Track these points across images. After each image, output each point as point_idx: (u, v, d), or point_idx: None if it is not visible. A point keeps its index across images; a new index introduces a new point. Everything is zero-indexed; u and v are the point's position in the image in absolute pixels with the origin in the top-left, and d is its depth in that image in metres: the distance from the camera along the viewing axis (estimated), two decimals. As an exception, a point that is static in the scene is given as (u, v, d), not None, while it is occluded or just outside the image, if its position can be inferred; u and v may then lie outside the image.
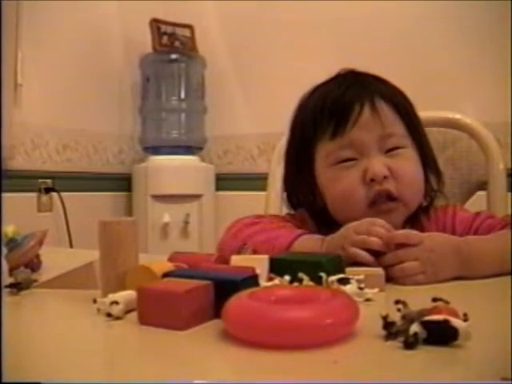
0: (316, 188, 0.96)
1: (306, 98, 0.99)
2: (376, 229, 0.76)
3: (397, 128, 0.92)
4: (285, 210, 1.17)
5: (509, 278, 0.75)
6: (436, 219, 0.97)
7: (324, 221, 0.96)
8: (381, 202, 0.89)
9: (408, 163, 0.91)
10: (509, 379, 0.39)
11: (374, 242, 0.75)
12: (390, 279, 0.73)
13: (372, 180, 0.88)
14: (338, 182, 0.91)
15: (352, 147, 0.90)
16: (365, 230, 0.77)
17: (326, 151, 0.92)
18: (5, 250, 0.79)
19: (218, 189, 2.86)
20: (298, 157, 0.98)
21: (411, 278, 0.74)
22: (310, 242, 0.83)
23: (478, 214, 0.96)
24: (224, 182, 2.89)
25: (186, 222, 2.71)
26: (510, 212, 1.12)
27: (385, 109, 0.91)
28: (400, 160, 0.90)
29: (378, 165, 0.88)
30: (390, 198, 0.89)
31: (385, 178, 0.88)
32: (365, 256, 0.75)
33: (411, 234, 0.77)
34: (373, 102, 0.90)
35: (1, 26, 2.11)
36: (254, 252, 0.79)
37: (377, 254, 0.76)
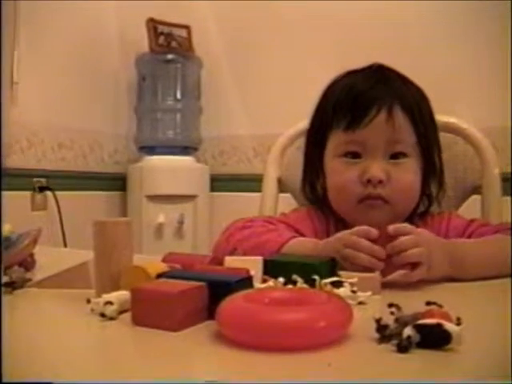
0: (322, 174, 1.00)
1: (335, 82, 1.02)
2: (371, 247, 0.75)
3: (406, 136, 0.94)
4: (280, 211, 1.18)
5: (501, 281, 0.76)
6: (432, 225, 0.98)
7: (323, 212, 1.00)
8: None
9: (407, 174, 0.94)
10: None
11: (362, 257, 0.74)
12: (385, 282, 0.73)
13: (368, 181, 0.91)
14: (339, 174, 0.95)
15: (360, 144, 0.94)
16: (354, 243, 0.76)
17: (337, 141, 0.97)
18: None
19: (212, 189, 2.85)
20: (314, 139, 1.02)
21: (415, 272, 0.73)
22: (299, 246, 0.84)
23: (472, 221, 0.98)
24: (219, 182, 2.88)
25: (181, 223, 2.70)
26: (503, 216, 1.13)
27: (400, 116, 0.93)
28: (400, 169, 0.93)
29: (377, 168, 0.91)
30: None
31: (380, 182, 0.91)
32: (364, 257, 0.74)
33: (408, 227, 0.77)
34: (391, 107, 0.93)
35: (1, 25, 2.11)
36: None
37: None
